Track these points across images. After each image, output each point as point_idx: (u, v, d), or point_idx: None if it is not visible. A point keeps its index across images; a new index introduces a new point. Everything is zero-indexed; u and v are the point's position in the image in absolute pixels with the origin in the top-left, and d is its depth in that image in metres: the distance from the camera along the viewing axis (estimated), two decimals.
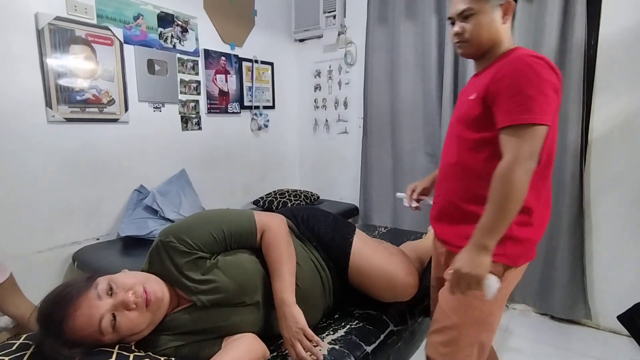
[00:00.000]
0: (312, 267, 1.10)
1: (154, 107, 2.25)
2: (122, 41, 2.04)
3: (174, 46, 2.32)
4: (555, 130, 0.95)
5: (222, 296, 0.93)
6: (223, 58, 2.62)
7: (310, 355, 0.89)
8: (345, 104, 2.96)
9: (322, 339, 1.04)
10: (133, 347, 0.84)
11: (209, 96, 2.56)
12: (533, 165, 0.85)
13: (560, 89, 0.89)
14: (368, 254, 1.16)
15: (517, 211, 0.86)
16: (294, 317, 0.91)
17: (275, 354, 0.99)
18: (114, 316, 0.79)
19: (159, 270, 0.94)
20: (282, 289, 0.94)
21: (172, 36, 2.30)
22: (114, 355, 0.76)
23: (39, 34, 1.73)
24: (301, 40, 3.12)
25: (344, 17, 2.81)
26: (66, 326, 0.75)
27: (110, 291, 0.81)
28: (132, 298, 0.81)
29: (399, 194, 1.37)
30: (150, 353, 0.84)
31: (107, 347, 0.80)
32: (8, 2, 1.64)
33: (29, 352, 0.77)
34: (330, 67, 3.00)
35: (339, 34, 2.83)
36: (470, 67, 2.15)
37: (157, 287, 0.87)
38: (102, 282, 0.82)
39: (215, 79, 2.59)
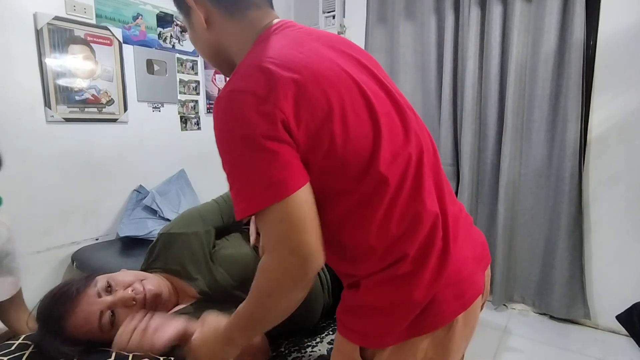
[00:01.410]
0: None
1: (153, 107, 2.24)
2: (121, 41, 2.04)
3: (173, 46, 2.32)
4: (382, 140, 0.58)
5: (219, 286, 0.93)
6: None
7: None
8: None
9: (322, 339, 1.04)
10: None
11: (208, 96, 2.56)
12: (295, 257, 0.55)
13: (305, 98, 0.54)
14: None
15: (279, 313, 0.62)
16: None
17: (274, 354, 0.99)
18: (113, 313, 0.80)
19: (159, 264, 0.96)
20: None
21: (171, 36, 2.30)
22: (113, 355, 0.76)
23: (38, 33, 1.72)
24: None
25: (344, 17, 2.81)
26: (66, 323, 0.76)
27: (110, 288, 0.82)
28: (131, 294, 0.82)
29: None
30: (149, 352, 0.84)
31: (105, 346, 0.80)
32: (6, 2, 1.64)
33: (27, 352, 0.77)
34: None
35: (338, 34, 2.83)
36: (469, 68, 2.15)
37: (155, 285, 0.88)
38: (101, 280, 0.83)
39: (215, 79, 2.59)
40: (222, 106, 0.54)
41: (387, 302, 0.59)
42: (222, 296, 0.93)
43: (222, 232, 1.05)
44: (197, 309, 0.92)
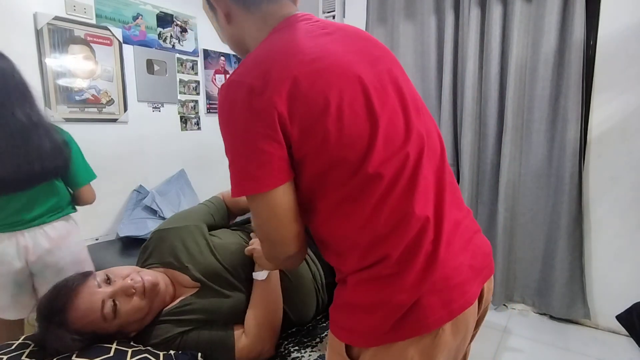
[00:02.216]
0: None
1: (153, 107, 2.25)
2: (121, 41, 2.04)
3: (173, 46, 2.32)
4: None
5: (211, 272, 0.95)
6: (222, 58, 2.62)
7: None
8: None
9: (321, 339, 1.04)
10: (132, 343, 0.84)
11: (208, 96, 2.56)
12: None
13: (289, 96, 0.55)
14: None
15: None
16: None
17: (274, 353, 0.99)
18: (115, 302, 0.82)
19: (153, 260, 0.99)
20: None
21: (171, 36, 2.30)
22: (112, 351, 0.77)
23: (38, 33, 1.73)
24: None
25: (344, 17, 2.81)
26: (69, 314, 0.77)
27: (109, 280, 0.85)
28: (130, 283, 0.85)
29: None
30: (149, 348, 0.84)
31: (107, 339, 0.81)
32: (7, 2, 1.64)
33: (27, 350, 0.77)
34: None
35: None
36: (469, 68, 2.15)
37: (152, 275, 0.91)
38: (99, 274, 0.86)
39: (215, 79, 2.59)
40: (222, 94, 0.57)
41: (369, 302, 0.59)
42: (216, 282, 0.95)
43: (211, 229, 1.09)
44: (197, 299, 0.93)
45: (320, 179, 0.59)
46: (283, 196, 0.58)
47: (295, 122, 0.55)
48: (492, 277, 0.69)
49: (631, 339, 1.86)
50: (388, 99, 0.61)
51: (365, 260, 0.59)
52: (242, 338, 0.90)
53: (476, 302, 0.63)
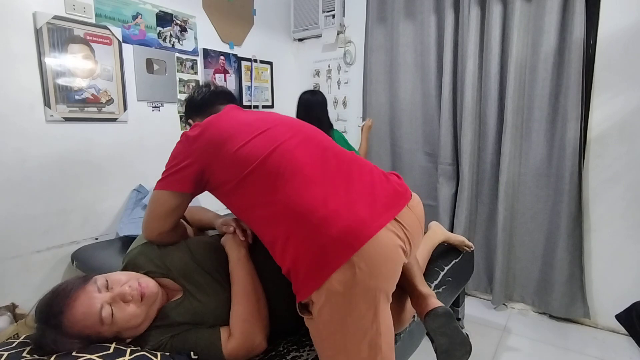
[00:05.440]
0: None
1: (153, 107, 2.24)
2: (121, 40, 2.04)
3: (173, 45, 2.32)
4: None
5: (187, 271, 0.99)
6: (222, 57, 2.62)
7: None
8: (345, 104, 2.96)
9: None
10: (129, 342, 0.85)
11: None
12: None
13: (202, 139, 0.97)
14: None
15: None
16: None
17: (273, 353, 0.99)
18: (112, 308, 0.82)
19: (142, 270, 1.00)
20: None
21: (171, 35, 2.30)
22: (112, 349, 0.78)
23: (37, 33, 1.72)
24: (300, 40, 3.12)
25: (343, 16, 2.81)
26: (65, 317, 0.77)
27: (107, 286, 0.85)
28: (128, 290, 0.86)
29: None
30: (147, 349, 0.84)
31: (104, 343, 0.81)
32: (6, 1, 1.63)
33: (28, 348, 0.77)
34: (329, 67, 2.99)
35: (338, 33, 2.83)
36: (469, 67, 2.15)
37: (149, 282, 0.92)
38: (99, 279, 0.87)
39: (214, 78, 2.59)
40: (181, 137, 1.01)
41: (292, 265, 0.82)
42: (199, 285, 0.98)
43: None
44: (182, 303, 0.96)
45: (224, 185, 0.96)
46: (174, 198, 0.99)
47: (204, 157, 0.96)
48: (412, 197, 0.95)
49: (630, 338, 1.86)
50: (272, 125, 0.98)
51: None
52: (230, 338, 0.91)
53: (387, 231, 0.81)
